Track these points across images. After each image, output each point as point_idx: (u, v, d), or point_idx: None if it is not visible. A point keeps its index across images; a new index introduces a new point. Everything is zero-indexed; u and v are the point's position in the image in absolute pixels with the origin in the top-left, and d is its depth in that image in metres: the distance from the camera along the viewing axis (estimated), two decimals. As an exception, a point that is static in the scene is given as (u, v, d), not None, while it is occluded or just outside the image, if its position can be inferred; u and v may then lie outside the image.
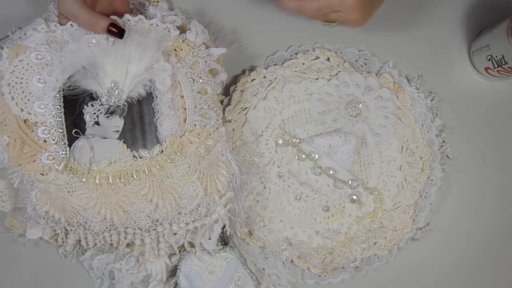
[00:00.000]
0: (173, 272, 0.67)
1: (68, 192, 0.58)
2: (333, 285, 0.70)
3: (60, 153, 0.58)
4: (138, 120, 0.59)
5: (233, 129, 0.70)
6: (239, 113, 0.70)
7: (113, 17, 0.59)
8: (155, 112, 0.59)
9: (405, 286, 0.71)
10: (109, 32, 0.56)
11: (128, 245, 0.61)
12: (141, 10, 0.68)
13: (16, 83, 0.58)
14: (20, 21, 0.64)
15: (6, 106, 0.58)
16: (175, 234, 0.61)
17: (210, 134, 0.61)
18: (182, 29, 0.64)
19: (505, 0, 0.75)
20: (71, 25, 0.59)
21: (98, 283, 0.68)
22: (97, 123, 0.59)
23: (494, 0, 0.75)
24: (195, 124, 0.60)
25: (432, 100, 0.73)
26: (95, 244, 0.60)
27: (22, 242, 0.68)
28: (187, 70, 0.60)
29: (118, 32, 0.56)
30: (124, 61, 0.56)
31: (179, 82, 0.60)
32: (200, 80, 0.61)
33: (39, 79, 0.58)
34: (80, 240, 0.61)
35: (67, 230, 0.60)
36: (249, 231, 0.69)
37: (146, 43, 0.57)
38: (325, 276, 0.69)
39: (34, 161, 0.58)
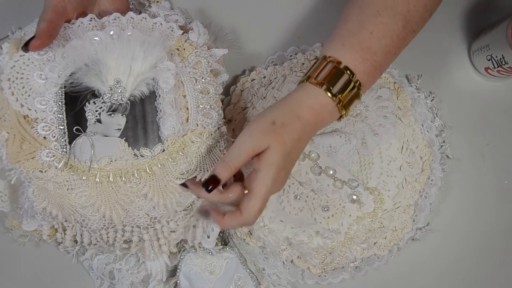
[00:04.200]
0: (173, 272, 0.67)
1: (68, 190, 0.57)
2: (333, 285, 0.70)
3: (60, 150, 0.57)
4: (141, 119, 0.59)
5: (233, 129, 0.70)
6: (239, 113, 0.70)
7: (116, 14, 0.59)
8: (157, 111, 0.59)
9: (405, 286, 0.71)
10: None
11: (125, 241, 0.61)
12: (140, 10, 0.68)
13: (17, 78, 0.57)
14: (20, 21, 0.64)
15: (5, 101, 0.57)
16: (174, 231, 0.61)
17: (211, 134, 0.60)
18: (183, 29, 0.64)
19: (505, 0, 0.75)
20: (72, 23, 0.59)
21: (98, 283, 0.68)
22: (99, 120, 0.58)
23: (494, 0, 0.75)
24: (197, 124, 0.60)
25: (432, 100, 0.73)
26: (90, 242, 0.60)
27: (22, 242, 0.67)
28: (190, 70, 0.60)
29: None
30: (128, 59, 0.56)
31: (182, 82, 0.60)
32: (203, 80, 0.61)
33: (41, 74, 0.57)
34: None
35: (64, 225, 0.60)
36: (249, 231, 0.69)
37: (150, 41, 0.56)
38: (325, 276, 0.69)
39: (33, 158, 0.57)
